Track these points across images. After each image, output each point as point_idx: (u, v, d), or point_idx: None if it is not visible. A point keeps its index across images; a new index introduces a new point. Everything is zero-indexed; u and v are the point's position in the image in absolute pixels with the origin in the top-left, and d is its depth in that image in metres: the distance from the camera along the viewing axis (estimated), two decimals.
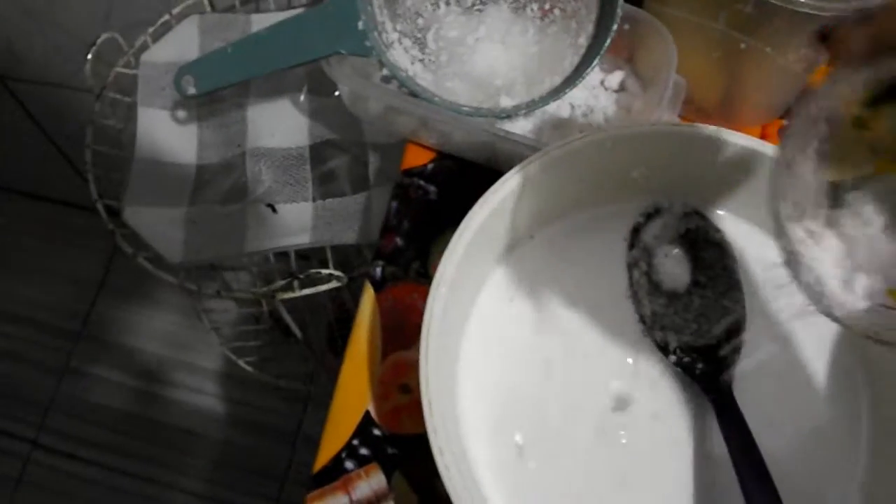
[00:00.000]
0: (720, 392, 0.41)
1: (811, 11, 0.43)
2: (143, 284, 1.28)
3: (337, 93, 0.51)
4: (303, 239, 0.60)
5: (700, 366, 0.42)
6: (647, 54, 0.51)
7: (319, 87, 0.66)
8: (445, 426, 0.36)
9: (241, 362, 1.00)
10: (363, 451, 0.45)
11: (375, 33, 0.49)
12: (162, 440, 1.21)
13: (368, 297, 0.47)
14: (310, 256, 0.75)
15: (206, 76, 0.56)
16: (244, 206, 0.63)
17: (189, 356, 1.26)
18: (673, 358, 0.42)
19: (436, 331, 0.38)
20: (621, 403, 0.42)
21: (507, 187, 0.40)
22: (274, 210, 0.62)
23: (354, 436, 0.44)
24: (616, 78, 0.52)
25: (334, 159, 0.65)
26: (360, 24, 0.49)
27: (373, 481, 0.44)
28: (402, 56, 0.51)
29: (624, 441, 0.41)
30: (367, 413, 0.45)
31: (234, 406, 1.23)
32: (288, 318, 0.68)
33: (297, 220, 0.62)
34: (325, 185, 0.64)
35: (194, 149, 0.68)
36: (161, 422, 1.23)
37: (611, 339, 0.44)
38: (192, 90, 0.57)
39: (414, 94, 0.49)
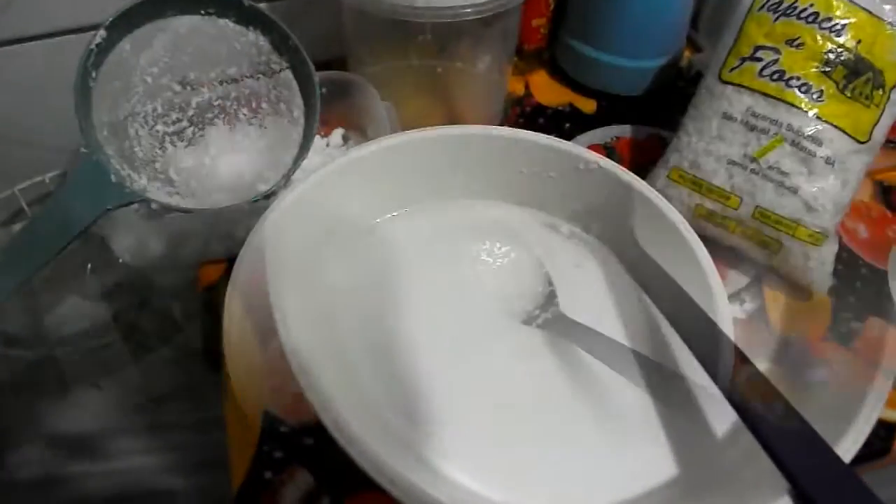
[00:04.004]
0: None
1: (456, 20, 0.51)
2: None
3: (120, 259, 0.52)
4: None
5: None
6: (355, 104, 0.59)
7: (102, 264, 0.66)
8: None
9: None
10: (277, 454, 0.42)
11: (128, 182, 0.52)
12: None
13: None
14: None
15: None
16: None
17: None
18: None
19: None
20: None
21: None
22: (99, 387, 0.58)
23: (262, 442, 0.42)
24: (336, 136, 0.60)
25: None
26: (113, 177, 0.51)
27: (299, 482, 0.41)
28: (160, 194, 0.54)
29: None
30: (267, 413, 0.42)
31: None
32: None
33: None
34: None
35: None
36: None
37: None
38: None
39: (188, 212, 0.53)
